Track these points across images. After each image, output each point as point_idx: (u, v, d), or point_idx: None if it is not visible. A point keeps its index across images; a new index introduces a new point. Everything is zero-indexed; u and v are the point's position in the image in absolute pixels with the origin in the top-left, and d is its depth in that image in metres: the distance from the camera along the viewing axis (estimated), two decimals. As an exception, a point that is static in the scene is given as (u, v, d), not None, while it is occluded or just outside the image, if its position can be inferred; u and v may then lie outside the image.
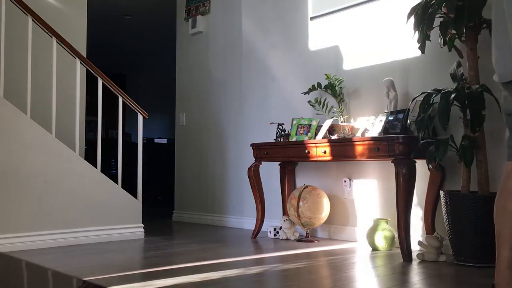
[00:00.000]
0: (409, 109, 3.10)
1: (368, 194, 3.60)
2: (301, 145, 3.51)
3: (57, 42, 3.62)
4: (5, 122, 3.26)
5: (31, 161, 3.34)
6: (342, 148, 3.26)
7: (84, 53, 4.41)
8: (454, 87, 2.79)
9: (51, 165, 3.43)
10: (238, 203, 4.59)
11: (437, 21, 2.88)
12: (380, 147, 3.02)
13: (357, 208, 3.68)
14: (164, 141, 8.11)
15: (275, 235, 3.86)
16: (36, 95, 3.70)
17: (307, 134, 3.61)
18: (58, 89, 3.69)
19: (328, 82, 3.67)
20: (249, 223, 4.34)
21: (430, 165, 2.83)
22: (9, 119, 3.29)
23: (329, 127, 3.50)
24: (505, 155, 1.92)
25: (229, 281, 2.42)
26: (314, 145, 3.42)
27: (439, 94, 2.74)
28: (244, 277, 2.52)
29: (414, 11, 2.91)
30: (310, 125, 3.63)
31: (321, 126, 3.57)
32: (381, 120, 3.20)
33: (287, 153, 3.64)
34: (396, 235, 3.15)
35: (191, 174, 5.11)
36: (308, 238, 3.67)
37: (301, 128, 3.66)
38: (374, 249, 3.28)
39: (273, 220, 4.12)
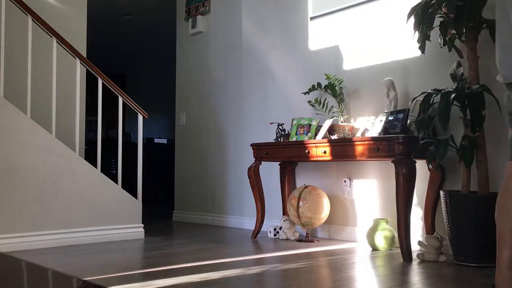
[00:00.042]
0: (409, 109, 3.10)
1: (368, 194, 3.60)
2: (301, 145, 3.51)
3: (57, 42, 3.62)
4: (5, 122, 3.26)
5: (31, 161, 3.34)
6: (342, 148, 3.26)
7: (84, 53, 4.41)
8: (454, 87, 2.79)
9: (51, 165, 3.43)
10: (238, 203, 4.59)
11: (437, 21, 2.88)
12: (380, 147, 3.02)
13: (357, 208, 3.68)
14: (164, 141, 8.11)
15: (275, 235, 3.86)
16: (36, 95, 3.70)
17: (307, 134, 3.61)
18: (58, 89, 3.69)
19: (328, 82, 3.67)
20: (249, 223, 4.34)
21: (430, 165, 2.84)
22: (9, 119, 3.29)
23: (329, 127, 3.50)
24: (505, 155, 1.92)
25: (229, 281, 2.42)
26: (314, 145, 3.42)
27: (439, 94, 2.74)
28: (244, 277, 2.52)
29: (414, 11, 2.91)
30: (310, 125, 3.63)
31: (321, 126, 3.57)
32: (381, 120, 3.20)
33: (287, 153, 3.64)
34: (396, 235, 3.15)
35: (191, 174, 5.11)
36: (308, 238, 3.67)
37: (301, 128, 3.66)
38: (374, 249, 3.28)
39: (273, 220, 4.12)
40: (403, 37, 3.40)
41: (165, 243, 3.67)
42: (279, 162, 4.03)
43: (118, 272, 2.58)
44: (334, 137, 3.42)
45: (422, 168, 3.10)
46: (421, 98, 2.87)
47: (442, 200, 2.85)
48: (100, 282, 2.34)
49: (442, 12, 2.87)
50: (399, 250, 2.99)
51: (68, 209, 3.48)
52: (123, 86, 8.59)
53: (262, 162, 3.91)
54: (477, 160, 2.77)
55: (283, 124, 3.90)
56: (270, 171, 4.17)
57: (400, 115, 3.10)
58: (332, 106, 3.72)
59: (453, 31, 2.87)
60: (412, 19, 2.92)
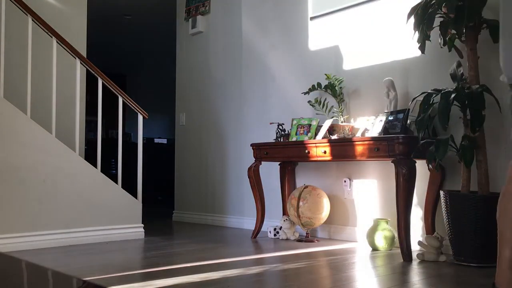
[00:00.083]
0: (409, 109, 3.10)
1: (368, 194, 3.60)
2: (301, 145, 3.51)
3: (57, 42, 3.62)
4: (5, 122, 3.26)
5: (31, 161, 3.34)
6: (342, 148, 3.26)
7: (84, 53, 4.41)
8: (454, 87, 2.79)
9: (51, 165, 3.43)
10: (238, 203, 4.59)
11: (437, 21, 2.88)
12: (380, 147, 3.02)
13: (357, 208, 3.68)
14: (164, 141, 8.12)
15: (275, 235, 3.86)
16: (36, 95, 3.70)
17: (307, 134, 3.61)
18: (58, 89, 3.69)
19: (328, 82, 3.67)
20: (249, 223, 4.34)
21: (430, 165, 2.83)
22: (9, 119, 3.29)
23: (329, 127, 3.50)
24: (504, 155, 1.92)
25: (229, 281, 2.42)
26: (314, 145, 3.42)
27: (439, 94, 2.74)
28: (244, 277, 2.52)
29: (414, 11, 2.91)
30: (310, 125, 3.63)
31: (321, 126, 3.57)
32: (381, 120, 3.20)
33: (287, 153, 3.64)
34: (396, 235, 3.15)
35: (191, 174, 5.11)
36: (308, 238, 3.67)
37: (301, 128, 3.66)
38: (374, 249, 3.28)
39: (273, 220, 4.12)
40: (403, 37, 3.40)
41: (165, 243, 3.67)
42: (279, 162, 4.03)
43: (118, 272, 2.58)
44: (334, 137, 3.42)
45: (422, 168, 3.10)
46: (421, 98, 2.87)
47: (442, 200, 2.85)
48: (100, 282, 2.34)
49: (442, 12, 2.87)
50: (399, 250, 2.99)
51: (68, 209, 3.48)
52: (123, 86, 8.59)
53: (262, 162, 3.91)
54: (477, 160, 2.77)
55: (283, 124, 3.90)
56: (270, 171, 4.18)
57: (400, 115, 3.10)
58: (332, 106, 3.72)
59: (453, 31, 2.87)
60: (412, 19, 2.92)
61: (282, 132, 3.81)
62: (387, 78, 3.27)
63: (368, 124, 3.36)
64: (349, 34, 3.79)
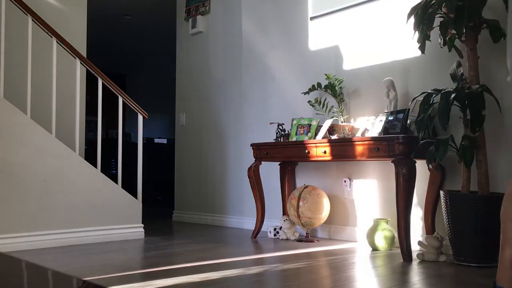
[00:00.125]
0: (409, 109, 3.10)
1: (368, 194, 3.60)
2: (301, 145, 3.51)
3: (57, 42, 3.62)
4: (5, 122, 3.26)
5: (31, 161, 3.34)
6: (342, 148, 3.26)
7: (84, 53, 4.41)
8: (454, 87, 2.79)
9: (51, 165, 3.43)
10: (238, 203, 4.59)
11: (437, 21, 2.88)
12: (380, 147, 3.02)
13: (357, 208, 3.68)
14: (164, 141, 8.12)
15: (275, 235, 3.86)
16: (36, 95, 3.71)
17: (307, 134, 3.61)
18: (58, 89, 3.69)
19: (328, 82, 3.67)
20: (249, 223, 4.34)
21: (430, 165, 2.83)
22: (9, 119, 3.29)
23: (329, 127, 3.50)
24: (505, 155, 1.92)
25: (229, 281, 2.42)
26: (314, 145, 3.42)
27: (439, 94, 2.74)
28: (244, 277, 2.52)
29: (414, 11, 2.91)
30: (310, 125, 3.63)
31: (321, 126, 3.57)
32: (381, 120, 3.20)
33: (287, 153, 3.64)
34: (396, 235, 3.15)
35: (191, 174, 5.11)
36: (308, 238, 3.67)
37: (301, 128, 3.66)
38: (374, 249, 3.28)
39: (273, 220, 4.12)
40: (403, 37, 3.40)
41: (165, 243, 3.67)
42: (279, 162, 4.03)
43: (118, 272, 2.58)
44: (334, 137, 3.42)
45: (422, 168, 3.10)
46: (421, 98, 2.87)
47: (442, 200, 2.85)
48: (100, 282, 2.34)
49: (442, 12, 2.87)
50: (399, 250, 2.99)
51: (68, 209, 3.48)
52: (123, 86, 8.59)
53: (262, 162, 3.91)
54: (477, 160, 2.77)
55: (283, 124, 3.90)
56: (270, 171, 4.18)
57: (400, 115, 3.10)
58: (332, 106, 3.72)
59: (453, 31, 2.87)
60: (412, 19, 2.92)
61: (282, 132, 3.81)
62: (387, 78, 3.27)
63: (368, 124, 3.36)
64: (349, 34, 3.79)
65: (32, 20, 3.52)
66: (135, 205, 3.89)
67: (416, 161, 2.98)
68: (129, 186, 3.97)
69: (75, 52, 3.71)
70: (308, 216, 3.55)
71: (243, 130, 4.58)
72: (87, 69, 3.89)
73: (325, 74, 3.72)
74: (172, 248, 3.45)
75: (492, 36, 2.79)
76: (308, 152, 3.45)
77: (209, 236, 4.06)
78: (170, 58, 5.85)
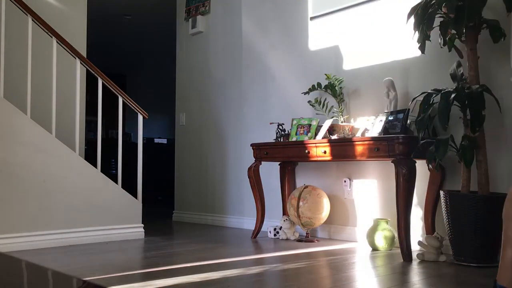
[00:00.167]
0: (409, 109, 3.10)
1: (368, 194, 3.60)
2: (301, 145, 3.51)
3: (57, 42, 3.62)
4: (5, 122, 3.26)
5: (31, 161, 3.34)
6: (342, 148, 3.26)
7: (84, 53, 4.41)
8: (454, 87, 2.79)
9: (51, 165, 3.43)
10: (238, 203, 4.59)
11: (437, 21, 2.88)
12: (380, 147, 3.02)
13: (357, 208, 3.68)
14: (164, 141, 8.12)
15: (275, 235, 3.86)
16: (36, 95, 3.70)
17: (307, 134, 3.61)
18: (58, 89, 3.69)
19: (328, 82, 3.67)
20: (249, 223, 4.34)
21: (430, 165, 2.83)
22: (9, 119, 3.29)
23: (329, 127, 3.50)
24: (505, 155, 1.92)
25: (229, 281, 2.42)
26: (314, 145, 3.42)
27: (439, 94, 2.74)
28: (244, 277, 2.52)
29: (414, 11, 2.91)
30: (310, 125, 3.63)
31: (321, 126, 3.57)
32: (381, 120, 3.20)
33: (287, 153, 3.64)
34: (396, 235, 3.15)
35: (191, 174, 5.11)
36: (308, 238, 3.67)
37: (301, 128, 3.66)
38: (374, 249, 3.28)
39: (273, 220, 4.12)
40: (403, 37, 3.40)
41: (165, 243, 3.67)
42: (279, 162, 4.03)
43: (118, 272, 2.58)
44: (334, 137, 3.42)
45: (422, 168, 3.10)
46: (421, 98, 2.87)
47: (442, 200, 2.85)
48: (100, 282, 2.34)
49: (442, 12, 2.87)
50: (399, 250, 2.99)
51: (68, 209, 3.48)
52: (123, 86, 8.59)
53: (262, 162, 3.91)
54: (477, 160, 2.78)
55: (283, 124, 3.90)
56: (270, 171, 4.18)
57: (400, 115, 3.10)
58: (332, 106, 3.72)
59: (453, 31, 2.87)
60: (412, 19, 2.92)
61: (282, 132, 3.81)
62: (387, 78, 3.27)
63: (368, 124, 3.36)
64: (349, 34, 3.79)
65: (32, 20, 3.52)
66: (135, 205, 3.89)
67: (416, 161, 2.98)
68: (129, 186, 3.97)
69: (75, 52, 3.71)
70: (308, 216, 3.55)
71: (243, 130, 4.57)
72: (87, 69, 3.89)
73: (325, 74, 3.72)
74: (172, 248, 3.45)
75: (492, 36, 2.79)
76: (308, 152, 3.45)
77: (209, 236, 4.06)
78: (170, 58, 5.85)
